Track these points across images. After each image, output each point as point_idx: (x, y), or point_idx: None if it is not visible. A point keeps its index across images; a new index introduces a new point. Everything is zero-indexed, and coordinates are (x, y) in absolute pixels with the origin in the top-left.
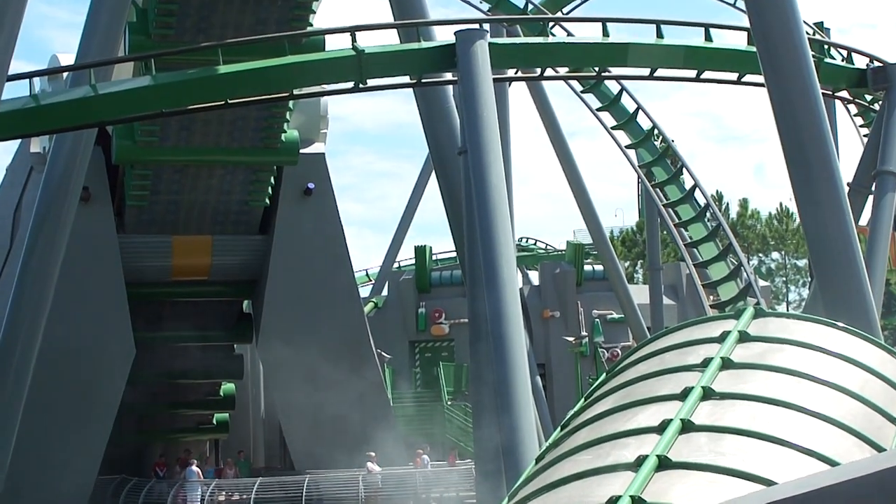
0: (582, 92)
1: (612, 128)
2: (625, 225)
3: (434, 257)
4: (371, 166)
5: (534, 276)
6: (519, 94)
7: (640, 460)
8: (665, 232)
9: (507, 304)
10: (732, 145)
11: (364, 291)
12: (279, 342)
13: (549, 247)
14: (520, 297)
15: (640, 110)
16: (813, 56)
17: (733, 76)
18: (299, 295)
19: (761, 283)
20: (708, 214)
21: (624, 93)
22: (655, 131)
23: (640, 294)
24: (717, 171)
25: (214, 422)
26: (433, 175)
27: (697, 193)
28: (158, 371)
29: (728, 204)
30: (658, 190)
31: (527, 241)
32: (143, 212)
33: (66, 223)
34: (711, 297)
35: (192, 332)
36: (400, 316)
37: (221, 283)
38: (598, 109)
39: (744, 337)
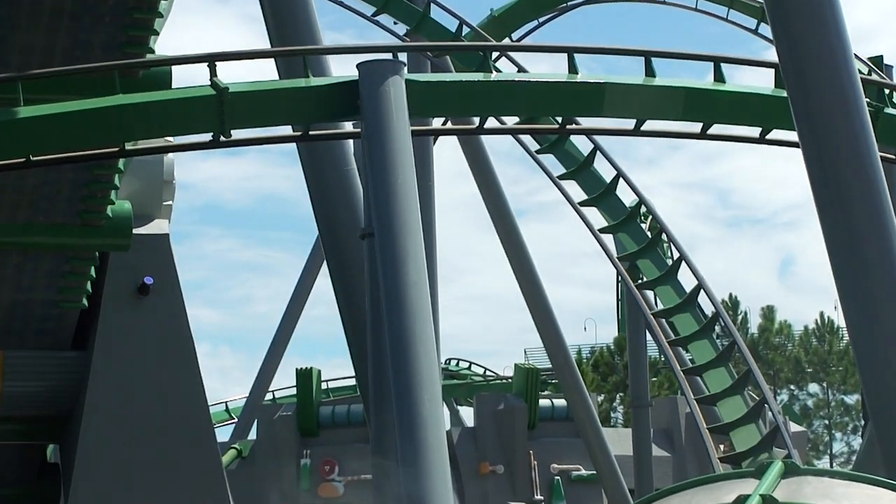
0: (538, 152)
1: (581, 203)
2: (598, 342)
3: (324, 385)
4: (232, 255)
5: (467, 414)
6: (448, 153)
7: None
8: (656, 353)
9: (428, 456)
10: (750, 231)
11: (223, 434)
12: None
13: (488, 373)
14: (447, 444)
15: (620, 179)
16: (869, 105)
17: (755, 132)
18: (129, 438)
19: (794, 427)
20: (717, 329)
21: (598, 154)
22: (642, 209)
23: (619, 441)
24: (729, 266)
25: None
26: (323, 268)
27: (702, 298)
28: None
29: (746, 314)
30: (646, 293)
31: (457, 365)
32: None
33: None
34: (722, 447)
35: None
36: (274, 470)
37: (16, 418)
38: (561, 177)
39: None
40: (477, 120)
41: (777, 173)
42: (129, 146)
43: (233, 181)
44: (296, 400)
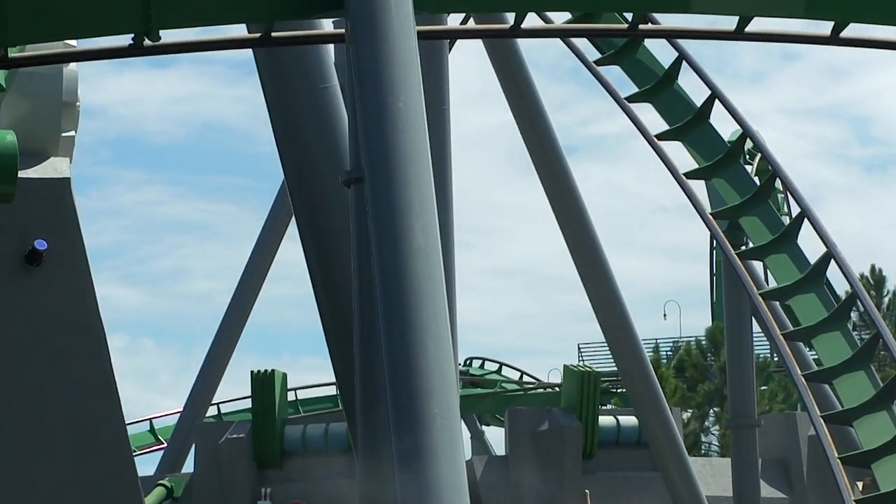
0: (598, 63)
1: (660, 136)
2: (683, 335)
3: (291, 396)
4: (159, 211)
5: (495, 437)
6: (471, 65)
7: None
8: (767, 351)
9: (440, 496)
10: None
11: (147, 463)
12: None
13: (526, 378)
14: (468, 479)
15: (715, 102)
16: None
17: None
18: (8, 466)
19: None
20: (854, 316)
21: (683, 67)
22: (747, 145)
23: (714, 477)
24: (869, 227)
25: None
26: (291, 228)
27: (833, 273)
28: None
29: (895, 292)
30: (753, 265)
31: (482, 367)
32: None
33: None
34: (861, 485)
35: None
36: None
37: None
38: (632, 99)
39: None
40: (511, 17)
41: None
42: (13, 53)
43: (160, 105)
44: (251, 416)
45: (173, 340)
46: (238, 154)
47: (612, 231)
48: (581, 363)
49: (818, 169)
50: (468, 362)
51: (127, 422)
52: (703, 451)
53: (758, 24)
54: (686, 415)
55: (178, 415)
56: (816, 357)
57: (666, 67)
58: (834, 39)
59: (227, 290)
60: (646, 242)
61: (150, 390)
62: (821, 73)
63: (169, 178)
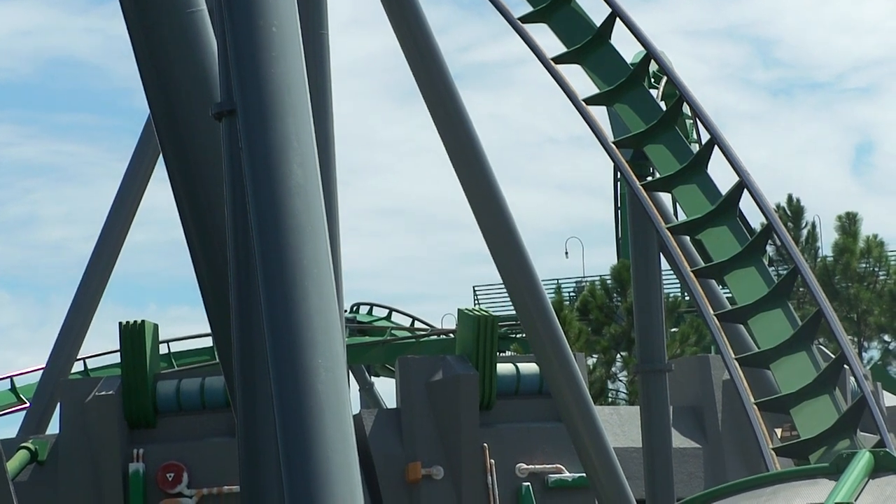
0: None
1: (556, 59)
2: (587, 275)
3: (163, 349)
4: (6, 152)
5: (386, 389)
6: None
7: None
8: (677, 289)
9: (325, 455)
10: (806, 101)
11: (8, 425)
12: None
13: (417, 323)
14: (356, 435)
15: (616, 21)
16: None
17: None
18: None
19: (889, 398)
20: (769, 251)
21: None
22: (652, 67)
23: (621, 426)
24: (779, 155)
25: None
26: (158, 167)
27: (747, 202)
28: None
29: (814, 224)
30: (659, 197)
31: (369, 313)
32: None
33: None
34: (780, 432)
35: None
36: (88, 479)
37: None
38: (524, 19)
39: None
40: None
41: (846, 12)
42: None
43: (2, 38)
44: (120, 372)
45: (29, 293)
46: (91, 91)
47: (501, 165)
48: (477, 307)
49: (720, 94)
50: (355, 308)
51: None
52: (609, 399)
53: None
54: (591, 360)
55: (41, 372)
56: (730, 295)
57: None
58: None
59: (83, 236)
60: (539, 176)
61: (7, 346)
62: (734, 10)
63: (16, 116)
